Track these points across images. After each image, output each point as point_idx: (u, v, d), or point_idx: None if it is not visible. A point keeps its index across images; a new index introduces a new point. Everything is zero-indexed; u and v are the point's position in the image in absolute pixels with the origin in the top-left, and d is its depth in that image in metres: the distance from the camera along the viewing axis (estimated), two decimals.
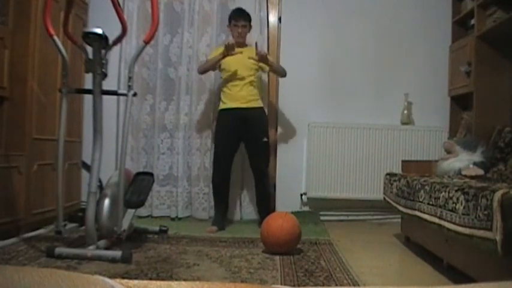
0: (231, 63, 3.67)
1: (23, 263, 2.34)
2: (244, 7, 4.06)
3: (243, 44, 3.74)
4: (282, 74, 3.86)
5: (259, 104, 3.75)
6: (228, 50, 3.56)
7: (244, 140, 3.77)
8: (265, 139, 3.73)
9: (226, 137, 3.70)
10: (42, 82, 3.16)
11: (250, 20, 3.77)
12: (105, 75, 2.67)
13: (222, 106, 3.76)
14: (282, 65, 4.22)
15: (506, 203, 1.64)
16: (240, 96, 3.67)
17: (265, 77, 4.11)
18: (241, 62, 3.64)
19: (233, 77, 3.68)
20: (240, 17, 3.72)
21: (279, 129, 4.25)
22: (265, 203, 3.76)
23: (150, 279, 2.12)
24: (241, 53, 3.60)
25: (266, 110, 4.03)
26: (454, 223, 2.03)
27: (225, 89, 3.75)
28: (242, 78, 3.66)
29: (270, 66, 3.73)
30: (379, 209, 4.03)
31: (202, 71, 3.80)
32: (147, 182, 2.92)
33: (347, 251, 2.87)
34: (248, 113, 3.67)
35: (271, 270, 2.37)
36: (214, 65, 3.73)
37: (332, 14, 4.27)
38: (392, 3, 4.26)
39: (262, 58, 3.60)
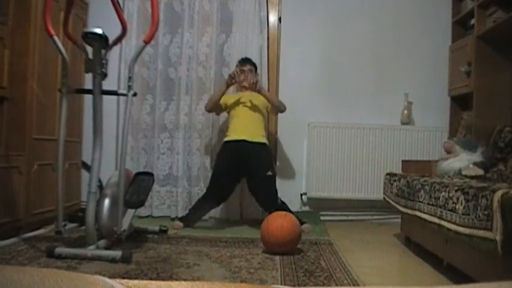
0: (237, 98, 3.75)
1: (23, 263, 2.34)
2: (244, 7, 4.09)
3: (248, 89, 3.75)
4: (279, 107, 3.75)
5: (262, 140, 3.70)
6: (231, 79, 3.65)
7: (246, 175, 3.71)
8: (270, 173, 3.60)
9: (224, 170, 3.63)
10: (42, 82, 3.16)
11: (256, 67, 3.86)
12: (105, 75, 2.67)
13: (225, 139, 3.77)
14: (282, 65, 4.24)
15: (506, 203, 1.64)
16: (243, 128, 3.67)
17: (265, 78, 4.10)
18: (247, 98, 3.73)
19: (238, 111, 3.73)
20: (245, 62, 3.83)
21: (279, 129, 4.25)
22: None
23: (150, 279, 2.12)
24: (245, 85, 3.71)
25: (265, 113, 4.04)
26: (454, 223, 2.03)
27: (229, 124, 3.80)
28: (247, 113, 3.70)
29: (264, 96, 3.71)
30: (379, 209, 4.03)
31: (210, 106, 3.79)
32: (147, 182, 2.92)
33: (347, 251, 2.87)
34: (249, 147, 3.62)
35: (271, 270, 2.37)
36: (220, 96, 3.74)
37: (332, 14, 4.27)
38: (392, 3, 4.26)
39: (252, 86, 3.64)
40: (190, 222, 3.62)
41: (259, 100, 3.74)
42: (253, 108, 3.73)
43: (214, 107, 3.80)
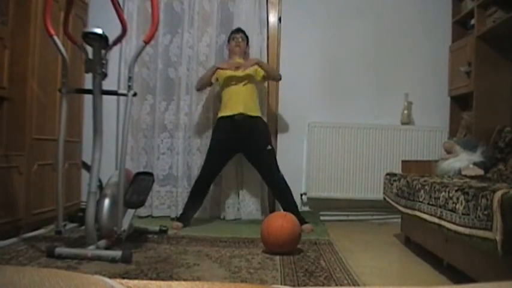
0: (228, 74, 3.75)
1: (23, 263, 2.34)
2: (244, 7, 4.09)
3: (241, 56, 3.85)
4: (275, 77, 3.88)
5: (256, 113, 3.74)
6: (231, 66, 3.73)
7: (244, 151, 3.76)
8: (269, 147, 3.69)
9: (219, 146, 3.70)
10: (42, 82, 3.16)
11: (248, 38, 3.91)
12: (105, 75, 2.67)
13: (219, 114, 3.81)
14: (282, 65, 4.23)
15: (506, 203, 1.64)
16: (236, 104, 3.69)
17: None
18: (239, 72, 3.74)
19: (229, 85, 3.74)
20: (238, 31, 3.89)
21: (279, 129, 4.25)
22: (292, 207, 3.58)
23: (150, 279, 2.12)
24: (238, 68, 3.73)
25: (265, 112, 4.05)
26: (454, 223, 2.03)
27: (222, 98, 3.82)
28: (240, 88, 3.70)
29: (262, 67, 3.78)
30: (379, 209, 4.03)
31: (200, 87, 3.88)
32: (147, 182, 2.92)
33: (347, 251, 2.87)
34: (245, 122, 3.66)
35: (271, 270, 2.37)
36: (209, 78, 3.81)
37: (332, 14, 4.27)
38: (392, 3, 4.26)
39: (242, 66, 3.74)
40: (188, 217, 3.65)
41: (250, 70, 3.75)
42: (246, 82, 3.73)
43: (204, 87, 3.91)
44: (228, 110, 3.72)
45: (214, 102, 4.05)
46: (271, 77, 3.89)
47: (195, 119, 4.08)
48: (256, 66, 3.77)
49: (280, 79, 3.91)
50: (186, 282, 0.58)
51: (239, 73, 3.72)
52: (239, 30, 3.90)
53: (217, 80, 3.83)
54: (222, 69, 3.79)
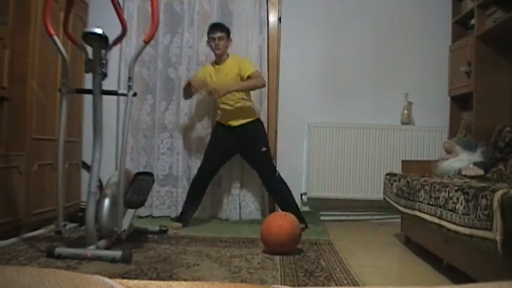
0: (214, 83, 3.65)
1: (23, 263, 2.34)
2: (244, 7, 4.08)
3: (222, 57, 3.69)
4: (257, 88, 3.76)
5: (251, 117, 3.72)
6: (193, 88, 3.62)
7: (241, 153, 3.79)
8: (264, 149, 3.67)
9: (217, 148, 3.72)
10: (42, 82, 3.16)
11: (228, 32, 3.70)
12: (105, 75, 2.67)
13: (217, 118, 3.83)
14: (282, 65, 4.22)
15: (506, 203, 1.64)
16: (231, 114, 3.68)
17: (265, 78, 4.09)
18: (223, 80, 3.62)
19: (221, 98, 3.65)
20: (215, 29, 3.64)
21: (279, 129, 4.25)
22: (291, 206, 3.58)
23: (150, 279, 2.12)
24: (209, 92, 3.63)
25: (265, 112, 4.04)
26: (454, 223, 2.03)
27: (217, 105, 3.80)
28: (230, 99, 3.64)
29: (237, 91, 3.62)
30: (379, 209, 4.03)
31: (185, 98, 3.84)
32: (147, 182, 2.92)
33: (347, 251, 2.87)
34: (241, 130, 3.67)
35: (271, 270, 2.37)
36: (190, 92, 3.73)
37: (332, 14, 4.27)
38: (392, 3, 4.26)
39: (218, 95, 3.55)
40: (187, 218, 3.66)
41: (234, 76, 3.62)
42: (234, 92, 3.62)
43: (189, 97, 3.83)
44: (226, 121, 3.72)
45: (214, 102, 4.04)
46: (254, 90, 3.80)
47: (195, 119, 4.08)
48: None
49: (265, 85, 3.79)
50: (186, 282, 0.58)
51: (214, 96, 3.64)
52: (215, 29, 3.64)
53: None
54: (192, 86, 3.66)
